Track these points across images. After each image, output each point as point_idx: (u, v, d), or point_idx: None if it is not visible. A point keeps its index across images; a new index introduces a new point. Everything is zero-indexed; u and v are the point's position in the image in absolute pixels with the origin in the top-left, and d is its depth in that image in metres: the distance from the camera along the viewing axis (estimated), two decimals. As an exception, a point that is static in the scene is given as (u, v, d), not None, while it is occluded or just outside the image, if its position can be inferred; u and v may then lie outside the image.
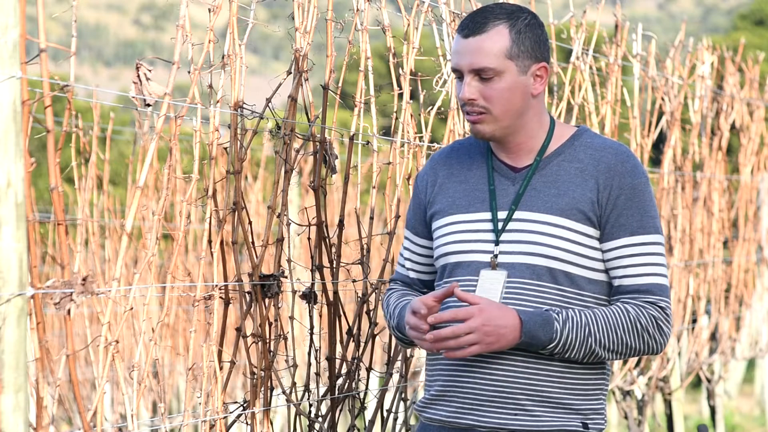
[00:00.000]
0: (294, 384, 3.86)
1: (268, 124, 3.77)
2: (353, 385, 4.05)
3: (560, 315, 2.94)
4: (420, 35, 4.31)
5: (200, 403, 3.49)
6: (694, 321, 7.49)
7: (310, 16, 3.79)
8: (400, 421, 4.25)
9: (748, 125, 8.29)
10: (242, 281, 3.64)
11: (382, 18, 4.18)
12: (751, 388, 14.00)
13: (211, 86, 3.55)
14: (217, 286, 3.56)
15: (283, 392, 3.80)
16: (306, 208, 3.95)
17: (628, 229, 3.02)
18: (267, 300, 3.67)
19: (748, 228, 8.40)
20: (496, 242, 3.03)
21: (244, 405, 3.66)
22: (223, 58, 3.56)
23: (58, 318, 8.30)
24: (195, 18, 3.45)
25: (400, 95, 4.26)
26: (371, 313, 4.12)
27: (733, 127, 8.14)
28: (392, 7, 4.27)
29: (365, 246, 4.12)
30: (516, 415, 2.99)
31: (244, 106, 3.61)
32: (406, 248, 3.26)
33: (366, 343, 4.09)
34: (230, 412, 3.62)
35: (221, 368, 3.54)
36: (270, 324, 3.69)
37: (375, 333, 4.11)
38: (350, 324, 4.04)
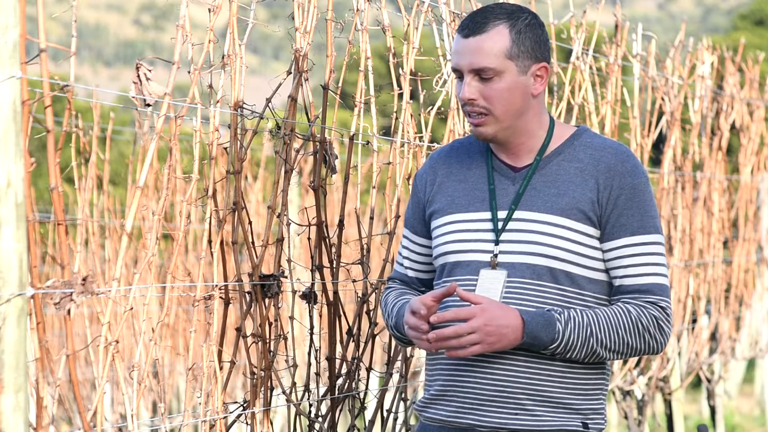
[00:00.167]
0: (294, 384, 3.85)
1: (268, 124, 3.76)
2: (353, 385, 4.05)
3: (562, 315, 2.94)
4: (420, 35, 4.31)
5: (200, 403, 3.49)
6: (694, 321, 7.49)
7: (310, 16, 3.79)
8: (400, 421, 4.25)
9: (748, 125, 8.29)
10: (242, 281, 3.64)
11: (382, 18, 4.18)
12: (751, 388, 13.99)
13: (211, 86, 3.55)
14: (217, 286, 3.56)
15: (283, 392, 3.80)
16: (306, 208, 3.95)
17: (629, 229, 3.01)
18: (267, 300, 3.67)
19: (748, 228, 8.39)
20: (496, 242, 3.03)
21: (244, 405, 3.65)
22: (223, 58, 3.56)
23: (58, 318, 8.30)
24: (195, 18, 3.45)
25: (400, 95, 4.26)
26: (371, 313, 4.12)
27: (733, 127, 8.13)
28: (392, 7, 4.27)
29: (365, 246, 4.12)
30: (516, 414, 2.99)
31: (244, 106, 3.61)
32: (404, 247, 3.26)
33: (366, 343, 4.09)
34: (230, 412, 3.61)
35: (221, 368, 3.54)
36: (270, 324, 3.69)
37: (375, 333, 4.11)
38: (350, 324, 4.04)
